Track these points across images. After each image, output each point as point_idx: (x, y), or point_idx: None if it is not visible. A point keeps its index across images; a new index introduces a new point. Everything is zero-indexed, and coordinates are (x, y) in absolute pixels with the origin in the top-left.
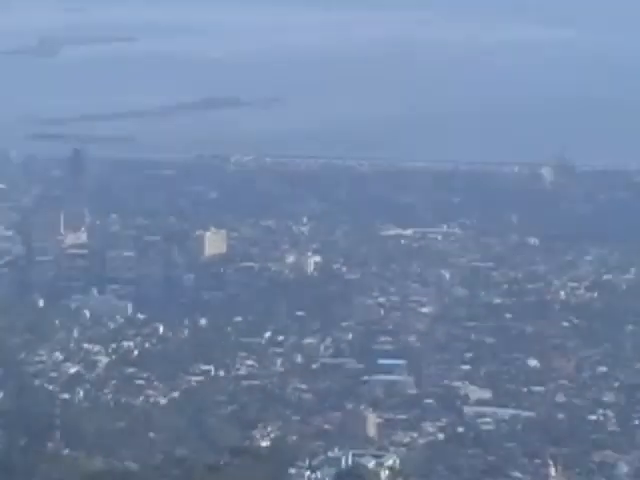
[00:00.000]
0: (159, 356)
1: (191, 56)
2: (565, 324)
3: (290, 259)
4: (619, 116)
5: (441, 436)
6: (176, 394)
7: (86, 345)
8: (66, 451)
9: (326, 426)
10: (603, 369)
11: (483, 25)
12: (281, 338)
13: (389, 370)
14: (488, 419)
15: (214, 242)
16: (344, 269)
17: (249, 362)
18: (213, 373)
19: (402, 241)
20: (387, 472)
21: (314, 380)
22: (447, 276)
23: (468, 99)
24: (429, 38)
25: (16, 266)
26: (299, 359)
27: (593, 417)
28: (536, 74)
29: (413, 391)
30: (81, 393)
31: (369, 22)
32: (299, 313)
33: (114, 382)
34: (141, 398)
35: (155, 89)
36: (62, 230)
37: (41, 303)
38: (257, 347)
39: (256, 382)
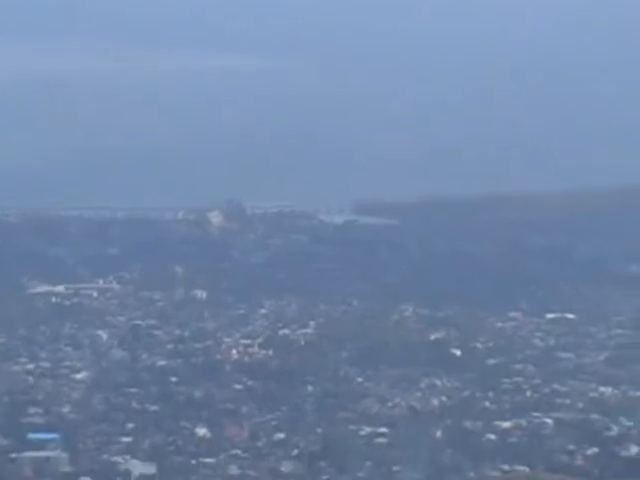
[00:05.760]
0: None
1: None
2: (238, 387)
3: None
4: (302, 151)
5: None
6: None
7: None
8: None
9: None
10: (280, 436)
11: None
12: None
13: (40, 446)
14: None
15: None
16: None
17: None
18: None
19: (53, 299)
20: None
21: None
22: (104, 337)
23: (128, 136)
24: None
25: None
26: None
27: None
28: (205, 107)
29: (68, 468)
30: None
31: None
32: None
33: None
34: None
35: None
36: None
37: None
38: None
39: None
